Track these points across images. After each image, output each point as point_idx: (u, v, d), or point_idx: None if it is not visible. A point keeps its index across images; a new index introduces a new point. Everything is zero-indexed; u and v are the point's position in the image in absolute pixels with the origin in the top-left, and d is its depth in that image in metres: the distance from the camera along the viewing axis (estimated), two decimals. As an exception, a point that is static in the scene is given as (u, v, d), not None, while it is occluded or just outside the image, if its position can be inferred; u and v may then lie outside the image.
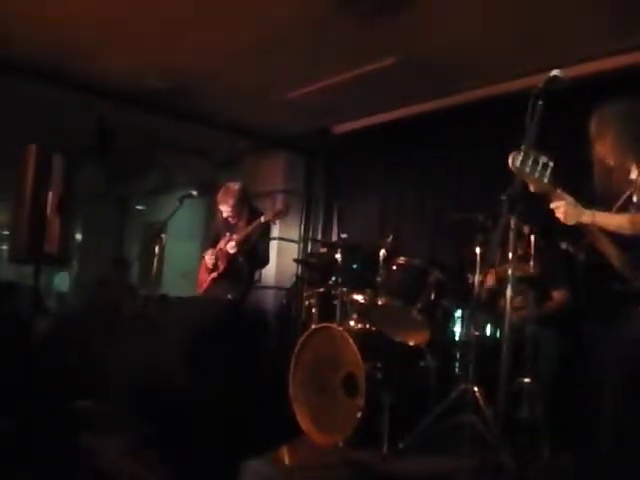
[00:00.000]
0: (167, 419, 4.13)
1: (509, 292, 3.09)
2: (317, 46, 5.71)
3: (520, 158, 2.90)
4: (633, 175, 2.90)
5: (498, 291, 4.56)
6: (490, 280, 4.55)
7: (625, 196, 3.00)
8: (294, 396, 4.26)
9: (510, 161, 2.90)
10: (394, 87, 6.50)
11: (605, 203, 3.04)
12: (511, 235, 3.18)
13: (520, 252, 4.24)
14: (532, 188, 2.91)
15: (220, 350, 4.87)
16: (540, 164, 2.91)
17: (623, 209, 2.99)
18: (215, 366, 4.60)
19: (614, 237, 2.99)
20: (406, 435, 3.76)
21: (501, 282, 4.48)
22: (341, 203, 8.28)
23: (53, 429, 4.20)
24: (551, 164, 2.93)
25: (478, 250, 4.31)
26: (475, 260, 4.30)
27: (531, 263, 4.21)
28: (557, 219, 3.06)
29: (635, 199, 2.92)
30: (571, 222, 2.99)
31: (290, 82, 6.60)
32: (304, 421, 4.16)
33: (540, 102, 2.88)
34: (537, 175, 2.90)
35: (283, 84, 6.66)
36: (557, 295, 4.78)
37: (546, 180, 2.94)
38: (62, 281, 11.71)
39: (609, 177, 3.02)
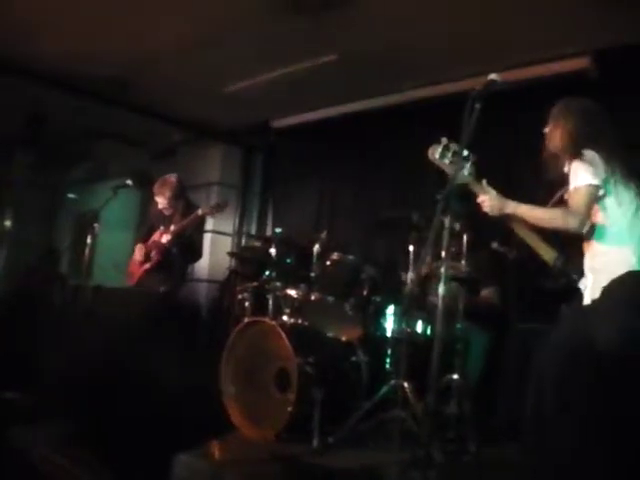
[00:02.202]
0: (97, 413, 4.07)
1: (441, 290, 3.14)
2: (257, 40, 5.68)
3: (440, 150, 2.95)
4: (566, 169, 2.96)
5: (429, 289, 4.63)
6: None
7: (558, 195, 3.07)
8: (226, 390, 4.24)
9: (430, 153, 2.95)
10: (334, 84, 6.51)
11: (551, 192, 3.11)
12: (445, 234, 3.24)
13: (452, 250, 4.30)
14: (453, 179, 2.95)
15: (151, 343, 4.82)
16: (461, 157, 2.97)
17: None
18: (146, 359, 4.54)
19: (543, 234, 3.07)
20: (337, 430, 3.79)
21: (433, 280, 4.55)
22: (277, 197, 8.29)
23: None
24: (472, 157, 2.98)
25: (411, 248, 4.37)
26: (408, 258, 4.36)
27: (462, 262, 4.28)
28: (486, 217, 3.12)
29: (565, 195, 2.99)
30: (496, 213, 3.04)
31: (229, 75, 6.56)
32: (235, 415, 4.15)
33: (477, 104, 2.93)
34: (457, 167, 2.96)
35: (223, 77, 6.61)
36: (486, 293, 4.89)
37: (467, 172, 3.00)
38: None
39: (555, 163, 3.07)
